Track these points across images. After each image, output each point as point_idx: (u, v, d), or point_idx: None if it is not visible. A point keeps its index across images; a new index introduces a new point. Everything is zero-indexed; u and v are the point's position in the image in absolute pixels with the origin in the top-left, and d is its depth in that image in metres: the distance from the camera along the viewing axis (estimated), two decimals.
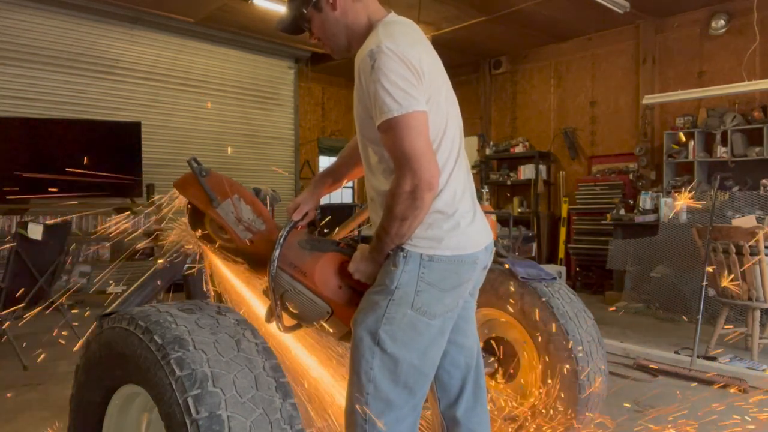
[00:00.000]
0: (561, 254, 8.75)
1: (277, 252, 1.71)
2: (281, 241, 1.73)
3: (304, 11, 1.69)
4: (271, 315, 1.78)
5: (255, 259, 1.90)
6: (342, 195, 10.87)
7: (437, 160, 1.54)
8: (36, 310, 3.97)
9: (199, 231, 2.03)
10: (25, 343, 4.18)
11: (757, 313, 4.31)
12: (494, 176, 9.67)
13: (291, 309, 1.76)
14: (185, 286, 2.33)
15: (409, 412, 1.60)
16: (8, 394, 3.50)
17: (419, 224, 1.55)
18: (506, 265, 2.64)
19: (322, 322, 1.76)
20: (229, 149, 8.25)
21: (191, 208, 2.03)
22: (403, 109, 1.46)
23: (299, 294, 1.71)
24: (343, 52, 1.75)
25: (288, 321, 1.81)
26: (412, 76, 1.48)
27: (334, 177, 2.02)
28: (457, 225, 1.60)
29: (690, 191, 6.19)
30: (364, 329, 1.57)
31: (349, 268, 1.69)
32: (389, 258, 1.59)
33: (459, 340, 1.79)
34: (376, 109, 1.49)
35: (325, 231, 2.04)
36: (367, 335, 1.56)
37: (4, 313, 4.06)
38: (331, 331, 1.81)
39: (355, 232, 2.51)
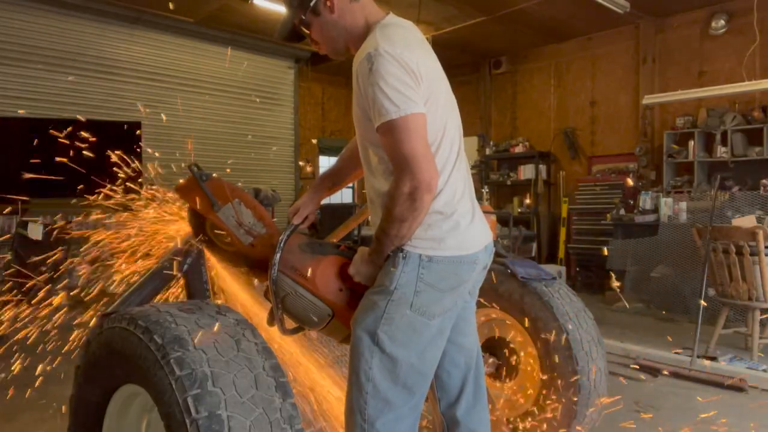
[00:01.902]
0: (561, 254, 8.75)
1: (278, 255, 1.72)
2: (282, 244, 1.73)
3: (303, 17, 1.69)
4: (273, 318, 1.78)
5: (256, 263, 1.91)
6: (342, 195, 10.86)
7: (436, 162, 1.54)
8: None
9: (200, 235, 2.03)
10: (24, 344, 4.18)
11: (757, 313, 4.31)
12: (494, 176, 9.67)
13: (292, 312, 1.76)
14: (185, 285, 2.33)
15: (409, 412, 1.61)
16: (8, 394, 3.50)
17: (418, 226, 1.55)
18: (506, 265, 2.64)
19: (323, 325, 1.76)
20: (230, 158, 8.24)
21: (192, 213, 2.04)
22: (401, 112, 1.46)
23: (300, 297, 1.72)
24: (341, 54, 1.75)
25: (289, 324, 1.82)
26: (410, 79, 1.48)
27: (333, 180, 2.03)
28: (457, 225, 1.60)
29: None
30: (363, 329, 1.57)
31: (349, 271, 1.70)
32: (389, 259, 1.59)
33: (458, 340, 1.79)
34: (375, 111, 1.50)
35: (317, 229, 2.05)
36: (366, 335, 1.57)
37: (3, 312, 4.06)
38: (333, 333, 1.81)
39: (355, 232, 2.52)
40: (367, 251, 1.65)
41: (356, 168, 1.92)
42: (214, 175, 1.93)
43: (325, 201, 2.08)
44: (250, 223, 1.89)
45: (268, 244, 1.83)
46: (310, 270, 1.72)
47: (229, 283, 2.22)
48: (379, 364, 1.56)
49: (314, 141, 10.32)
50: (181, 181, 1.99)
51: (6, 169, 6.48)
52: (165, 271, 2.05)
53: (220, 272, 2.22)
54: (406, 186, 1.47)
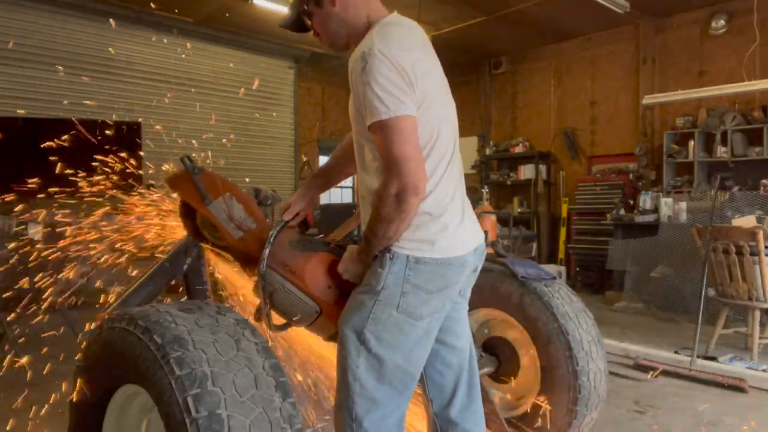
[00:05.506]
0: (561, 254, 8.75)
1: (266, 251, 1.72)
2: (271, 240, 1.74)
3: (306, 7, 1.70)
4: (261, 313, 1.78)
5: (245, 258, 1.91)
6: (342, 195, 10.86)
7: (427, 164, 1.55)
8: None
9: (191, 228, 2.03)
10: (25, 343, 4.18)
11: (757, 313, 4.30)
12: (494, 176, 9.67)
13: (280, 308, 1.77)
14: (185, 285, 2.33)
15: (396, 409, 1.62)
16: (7, 394, 3.50)
17: (406, 227, 1.55)
18: (506, 265, 2.64)
19: (310, 322, 1.77)
20: (230, 158, 8.24)
21: (183, 206, 2.04)
22: (392, 113, 1.47)
23: (288, 293, 1.72)
24: (341, 48, 1.75)
25: (277, 320, 1.82)
26: (402, 81, 1.49)
27: (325, 177, 2.05)
28: (446, 227, 1.60)
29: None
30: (350, 328, 1.59)
31: (338, 269, 1.71)
32: (377, 259, 1.59)
33: (450, 341, 1.79)
34: (366, 111, 1.50)
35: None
36: (353, 334, 1.58)
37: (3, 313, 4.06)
38: (319, 331, 1.81)
39: (356, 232, 2.51)
40: (356, 249, 1.66)
41: (349, 166, 1.93)
42: (206, 168, 1.93)
43: (326, 201, 2.09)
44: (241, 217, 1.89)
45: (258, 239, 1.84)
46: (298, 266, 1.72)
47: (235, 280, 2.23)
48: (365, 364, 1.57)
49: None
50: (173, 173, 1.98)
51: (5, 169, 6.49)
52: (164, 271, 2.05)
53: (226, 271, 2.22)
54: (393, 187, 1.48)
